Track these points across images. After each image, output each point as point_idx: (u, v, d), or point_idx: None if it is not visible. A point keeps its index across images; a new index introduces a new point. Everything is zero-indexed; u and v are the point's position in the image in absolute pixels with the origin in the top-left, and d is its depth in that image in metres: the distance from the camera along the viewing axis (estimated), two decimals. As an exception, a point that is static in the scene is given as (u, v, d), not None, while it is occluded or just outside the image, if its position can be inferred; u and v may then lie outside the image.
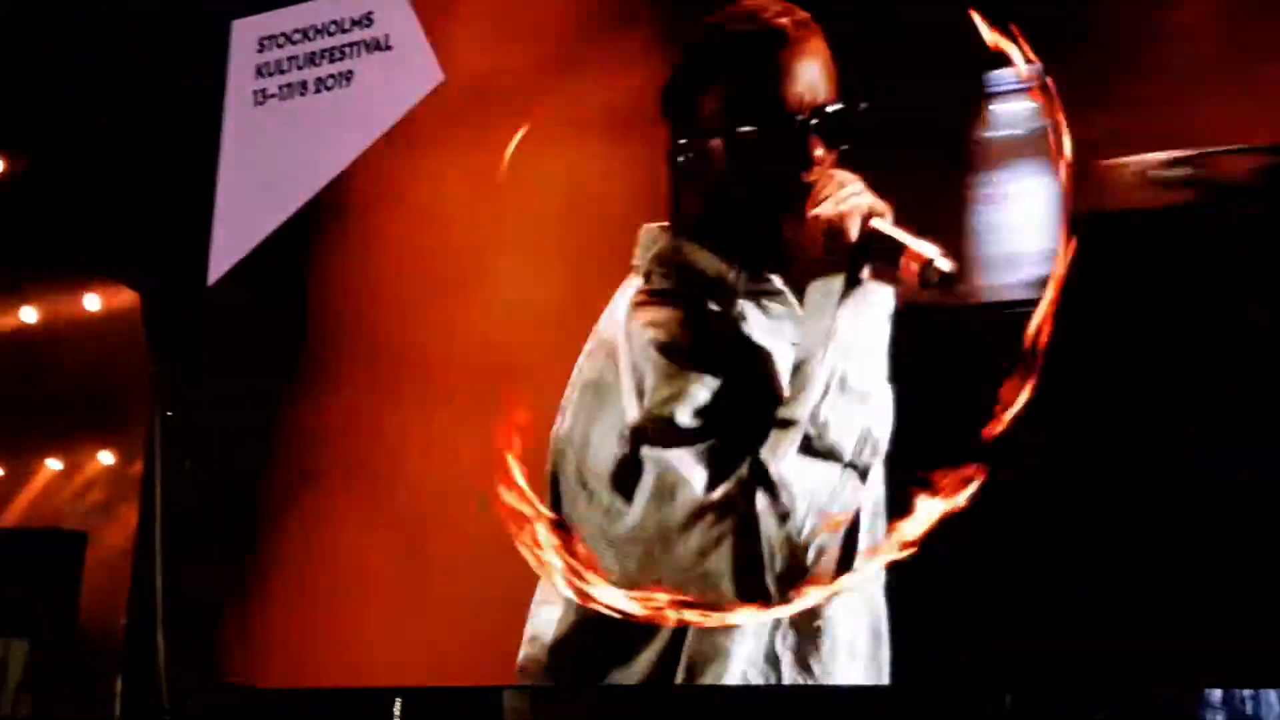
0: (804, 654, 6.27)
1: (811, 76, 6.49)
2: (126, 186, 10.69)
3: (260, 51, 10.72)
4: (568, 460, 6.69)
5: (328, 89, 10.40)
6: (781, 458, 6.09)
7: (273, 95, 10.71)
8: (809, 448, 6.09)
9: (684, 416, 6.29)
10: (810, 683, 6.12)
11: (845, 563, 6.07)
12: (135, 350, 11.95)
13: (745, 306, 6.42)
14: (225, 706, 8.59)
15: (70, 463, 14.07)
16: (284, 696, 8.22)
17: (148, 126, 10.59)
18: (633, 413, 6.47)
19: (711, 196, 6.62)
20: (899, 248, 6.07)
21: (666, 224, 6.81)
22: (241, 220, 10.28)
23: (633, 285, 6.87)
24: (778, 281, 6.48)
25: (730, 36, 6.60)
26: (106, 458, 13.77)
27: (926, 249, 6.02)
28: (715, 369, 6.37)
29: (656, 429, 6.33)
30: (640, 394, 6.47)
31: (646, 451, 6.34)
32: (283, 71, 10.66)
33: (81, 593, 11.25)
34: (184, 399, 10.86)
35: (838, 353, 6.22)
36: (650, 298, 6.65)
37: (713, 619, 5.50)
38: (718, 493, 6.15)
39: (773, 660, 6.25)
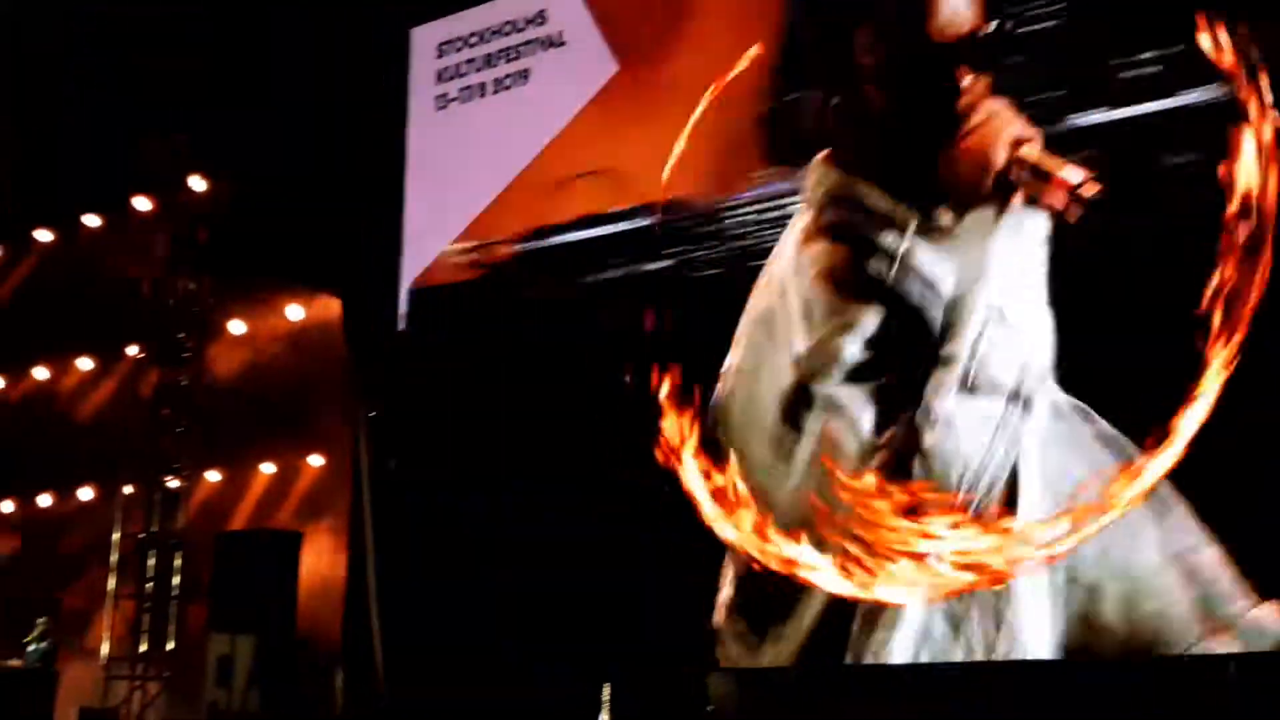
0: (990, 608, 6.22)
1: (956, 4, 6.36)
2: (320, 198, 11.06)
3: (439, 57, 10.98)
4: (737, 392, 6.83)
5: (506, 89, 10.60)
6: (944, 396, 6.10)
7: (454, 99, 10.96)
8: (969, 384, 6.12)
9: (852, 348, 6.34)
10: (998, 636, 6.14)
11: (1010, 502, 5.98)
12: (337, 356, 12.35)
13: (911, 241, 6.38)
14: (438, 696, 8.84)
15: (283, 466, 14.54)
16: (490, 684, 8.41)
17: (337, 138, 10.94)
18: (801, 345, 6.52)
19: (870, 136, 6.59)
20: (1047, 174, 6.04)
21: (834, 159, 6.78)
22: (430, 225, 10.56)
23: (802, 220, 6.91)
24: (942, 217, 6.42)
25: None
26: (316, 460, 14.20)
27: (1073, 174, 5.98)
28: (882, 302, 6.37)
29: (825, 362, 6.40)
30: (809, 326, 6.51)
31: (817, 388, 6.42)
32: (462, 75, 10.91)
33: (299, 590, 11.66)
34: (386, 400, 11.21)
35: (992, 285, 6.20)
36: (820, 232, 6.68)
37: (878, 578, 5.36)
38: (884, 436, 6.25)
39: (953, 619, 6.37)
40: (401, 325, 10.51)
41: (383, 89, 10.72)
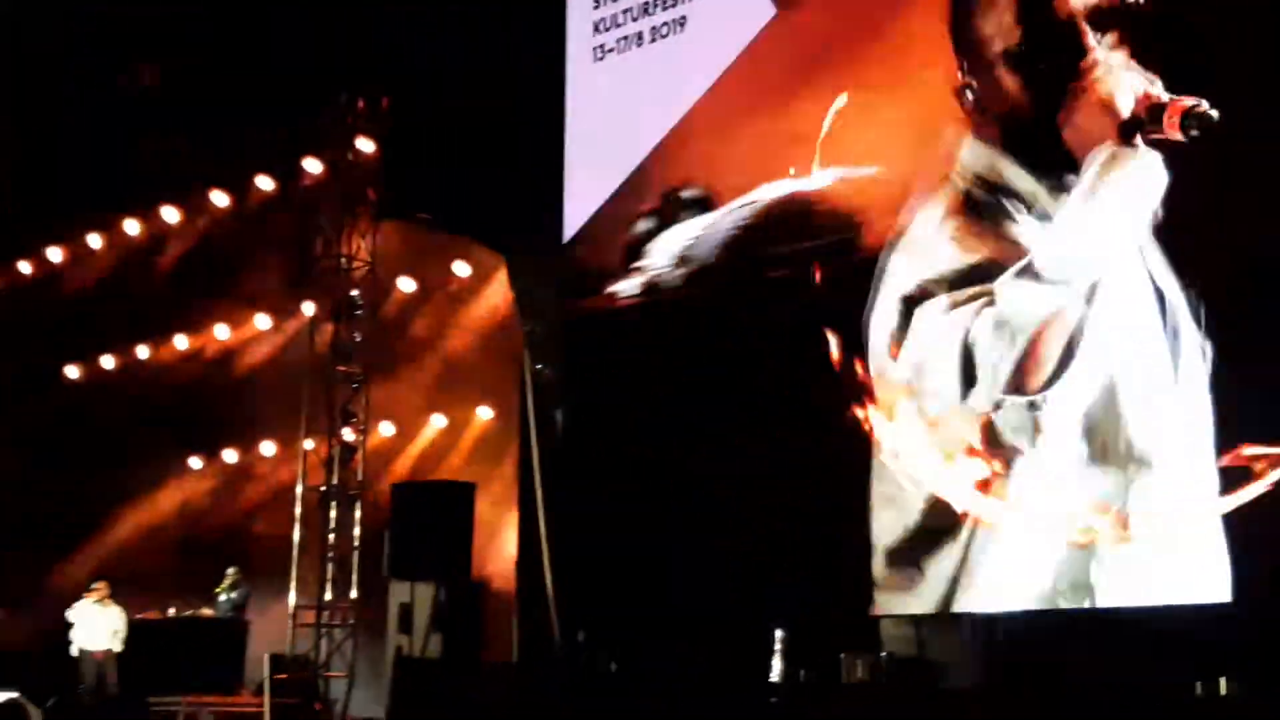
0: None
1: None
2: (483, 156, 11.22)
3: (596, 8, 11.03)
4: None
5: (663, 37, 10.60)
6: (1004, 282, 6.90)
7: (611, 50, 10.99)
8: (1033, 273, 6.81)
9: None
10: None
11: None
12: (505, 310, 12.58)
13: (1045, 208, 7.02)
14: (609, 639, 8.99)
15: (454, 418, 14.90)
16: (662, 629, 8.52)
17: (497, 94, 11.07)
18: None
19: (1006, 113, 7.17)
20: (1163, 106, 6.44)
21: (982, 139, 7.40)
22: (591, 177, 10.64)
23: (947, 193, 7.45)
24: (1071, 180, 6.88)
25: None
26: (485, 412, 14.51)
27: (1188, 100, 6.39)
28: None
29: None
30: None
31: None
32: (619, 25, 10.94)
33: (474, 538, 11.95)
34: (551, 354, 11.38)
35: (1091, 208, 6.68)
36: (963, 208, 7.38)
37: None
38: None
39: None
40: (563, 278, 10.64)
41: (540, 43, 10.80)
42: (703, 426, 8.84)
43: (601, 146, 10.34)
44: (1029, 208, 7.09)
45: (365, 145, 13.07)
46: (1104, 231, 6.72)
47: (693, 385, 9.08)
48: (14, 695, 11.23)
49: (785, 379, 8.37)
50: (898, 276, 7.56)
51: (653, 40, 10.23)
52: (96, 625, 13.82)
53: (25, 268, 17.25)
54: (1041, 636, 6.72)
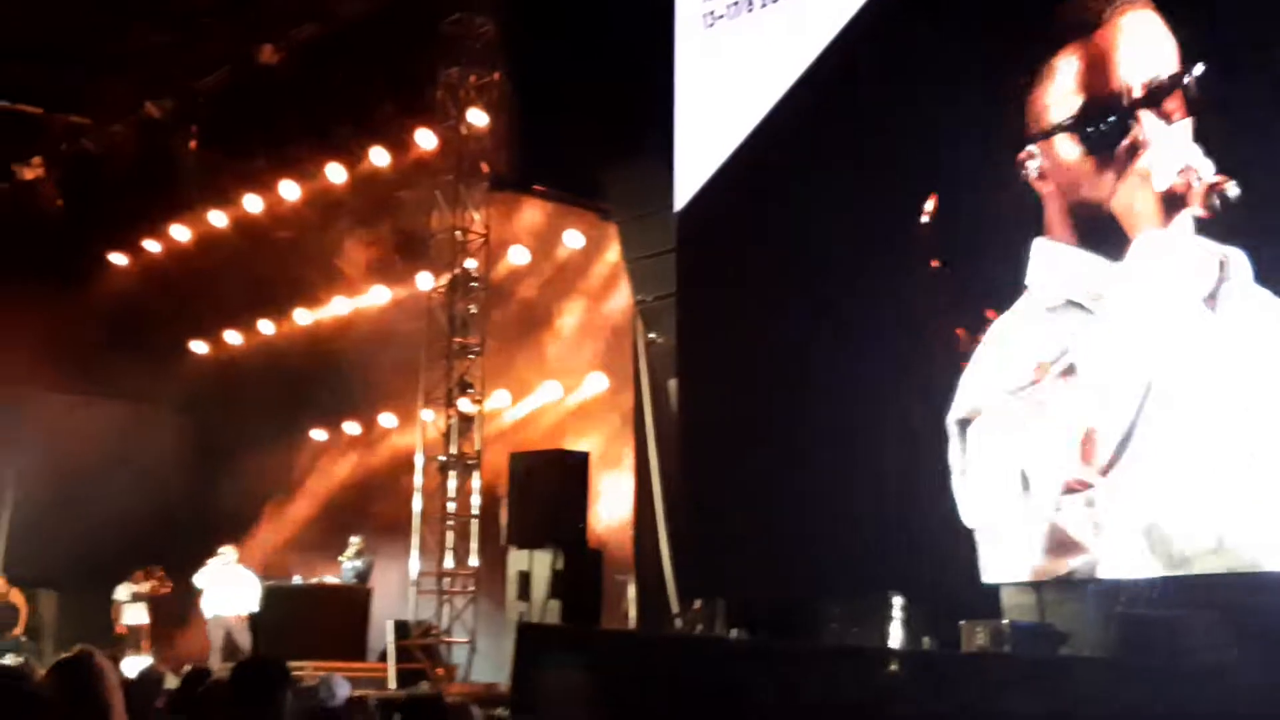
0: None
1: (1137, 53, 7.07)
2: (595, 125, 11.26)
3: (706, -27, 10.97)
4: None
5: (773, 1, 10.51)
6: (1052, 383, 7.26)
7: (721, 16, 10.93)
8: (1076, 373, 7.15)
9: None
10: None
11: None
12: (616, 279, 12.64)
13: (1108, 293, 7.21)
14: (728, 607, 9.02)
15: (569, 387, 15.05)
16: (780, 596, 8.52)
17: (609, 63, 11.09)
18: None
19: (1065, 200, 7.35)
20: (1202, 185, 6.58)
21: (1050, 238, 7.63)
22: (702, 145, 10.61)
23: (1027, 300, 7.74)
24: (1131, 264, 7.06)
25: (1057, 26, 7.40)
26: (600, 381, 14.62)
27: (1218, 177, 6.53)
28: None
29: None
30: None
31: None
32: (729, -10, 10.88)
33: (590, 506, 12.05)
34: (663, 324, 11.41)
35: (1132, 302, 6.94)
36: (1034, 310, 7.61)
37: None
38: None
39: None
40: (675, 247, 10.64)
41: (650, 10, 10.78)
42: (819, 392, 8.81)
43: (712, 113, 10.31)
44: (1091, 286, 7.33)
45: (478, 117, 13.20)
46: (1146, 328, 6.90)
47: (807, 351, 9.05)
48: (149, 662, 11.61)
49: (902, 344, 8.31)
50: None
51: (763, 5, 10.15)
52: (226, 589, 14.23)
53: (153, 246, 17.76)
54: (1166, 603, 6.60)
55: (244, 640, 13.94)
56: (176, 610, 14.81)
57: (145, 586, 14.97)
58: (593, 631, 9.93)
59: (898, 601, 7.50)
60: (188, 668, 9.82)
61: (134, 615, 14.90)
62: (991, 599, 7.61)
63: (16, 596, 16.47)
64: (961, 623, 7.12)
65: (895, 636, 7.41)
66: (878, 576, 7.73)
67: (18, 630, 15.48)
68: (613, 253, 13.11)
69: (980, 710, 6.01)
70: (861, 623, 7.52)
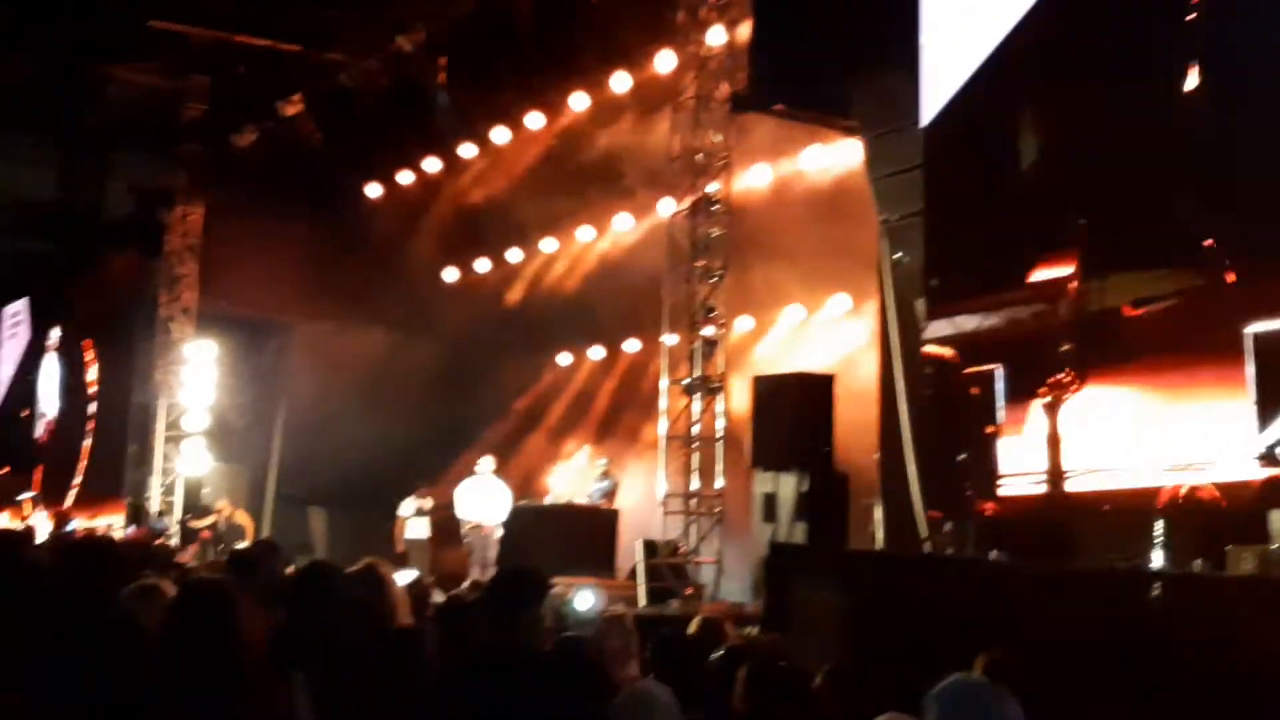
0: None
1: None
2: (838, 40, 11.07)
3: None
4: None
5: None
6: None
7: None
8: None
9: None
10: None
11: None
12: (862, 199, 12.44)
13: None
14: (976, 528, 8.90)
15: (811, 310, 14.98)
16: (1036, 517, 8.36)
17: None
18: None
19: None
20: None
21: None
22: (948, 60, 10.33)
23: None
24: None
25: None
26: (843, 302, 14.49)
27: None
28: None
29: None
30: None
31: None
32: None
33: (835, 428, 12.01)
34: (909, 243, 11.20)
35: None
36: None
37: None
38: None
39: None
40: (922, 163, 10.43)
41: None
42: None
43: (960, 23, 10.02)
44: None
45: (718, 36, 13.11)
46: None
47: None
48: (415, 574, 12.14)
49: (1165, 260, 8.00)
50: None
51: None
52: (483, 501, 14.78)
53: (406, 177, 18.37)
54: None
55: (494, 552, 14.44)
56: (446, 526, 15.44)
57: (428, 502, 15.62)
58: (847, 552, 9.93)
59: (1158, 524, 7.28)
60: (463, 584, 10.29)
61: (416, 529, 15.57)
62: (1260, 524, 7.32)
63: (242, 517, 17.52)
64: (1228, 548, 6.88)
65: (1157, 559, 7.20)
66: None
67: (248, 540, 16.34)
68: (857, 171, 12.92)
69: (1245, 635, 5.79)
70: (1123, 547, 7.32)
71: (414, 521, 15.57)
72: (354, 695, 3.84)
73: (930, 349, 10.47)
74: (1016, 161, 9.38)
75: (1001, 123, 9.70)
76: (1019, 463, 9.02)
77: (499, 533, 14.53)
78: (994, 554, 7.93)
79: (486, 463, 14.92)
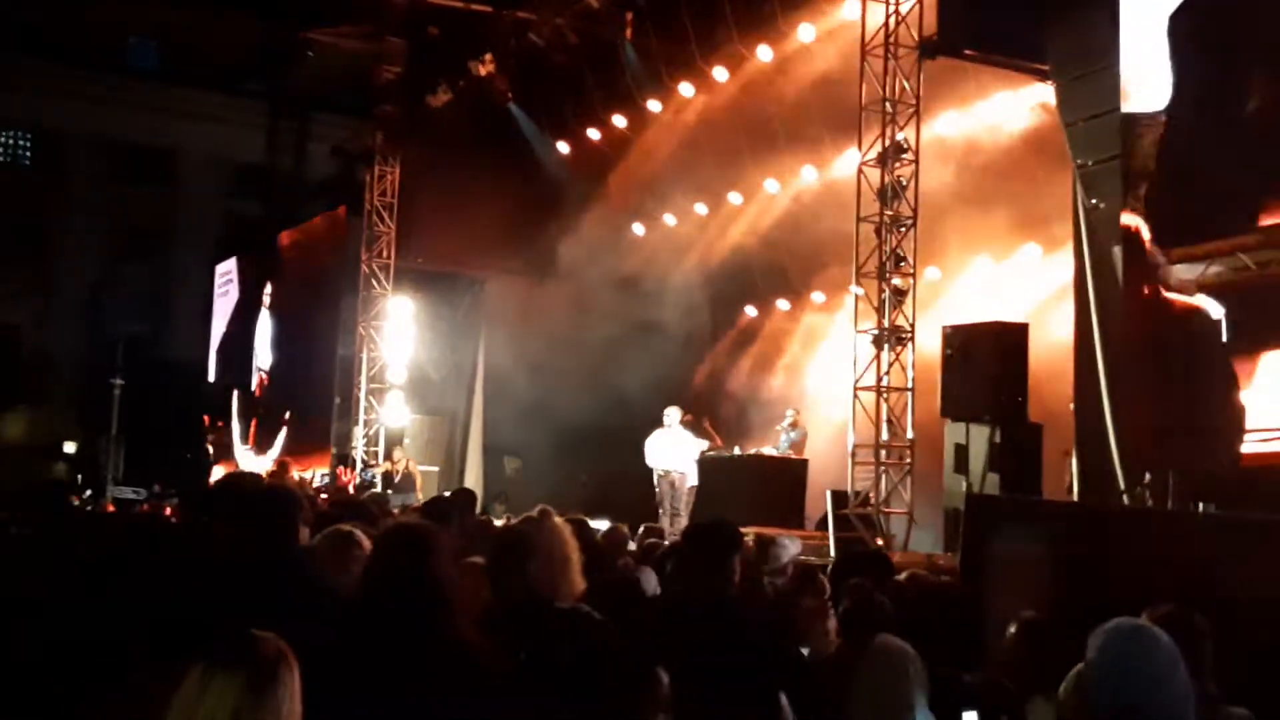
0: None
1: None
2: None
3: None
4: None
5: None
6: None
7: None
8: None
9: None
10: None
11: None
12: (1056, 143, 12.11)
13: None
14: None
15: (1002, 258, 14.72)
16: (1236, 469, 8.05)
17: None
18: None
19: None
20: None
21: None
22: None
23: None
24: None
25: None
26: (1034, 250, 14.21)
27: None
28: None
29: None
30: None
31: None
32: None
33: (1029, 380, 11.78)
34: (1105, 188, 10.85)
35: None
36: None
37: None
38: None
39: None
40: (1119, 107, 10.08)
41: None
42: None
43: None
44: None
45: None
46: None
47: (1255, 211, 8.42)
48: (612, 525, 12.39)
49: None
50: None
51: None
52: (670, 452, 14.94)
53: (594, 134, 18.54)
54: None
55: (681, 502, 14.58)
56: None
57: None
58: (1048, 504, 9.75)
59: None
60: (643, 527, 10.47)
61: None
62: None
63: (413, 467, 17.95)
64: None
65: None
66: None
67: (418, 493, 16.77)
68: (1049, 116, 12.55)
69: None
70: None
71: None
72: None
73: (1149, 294, 10.11)
74: (1241, 100, 8.98)
75: (1204, 63, 9.30)
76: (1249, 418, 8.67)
77: (689, 482, 14.71)
78: (1201, 507, 7.70)
79: (673, 413, 15.08)
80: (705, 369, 19.21)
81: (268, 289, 24.20)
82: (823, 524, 13.19)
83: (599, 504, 14.89)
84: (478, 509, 7.61)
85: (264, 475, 19.47)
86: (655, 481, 14.93)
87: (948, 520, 11.57)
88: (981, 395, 11.53)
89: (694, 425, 15.69)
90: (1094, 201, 11.30)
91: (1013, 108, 13.79)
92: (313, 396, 21.26)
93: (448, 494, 12.41)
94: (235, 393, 24.58)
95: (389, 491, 16.64)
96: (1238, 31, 9.11)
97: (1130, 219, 9.86)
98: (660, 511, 14.54)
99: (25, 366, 30.26)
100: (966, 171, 14.22)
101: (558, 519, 4.41)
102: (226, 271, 26.46)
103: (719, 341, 19.43)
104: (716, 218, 18.43)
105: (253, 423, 23.69)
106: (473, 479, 19.96)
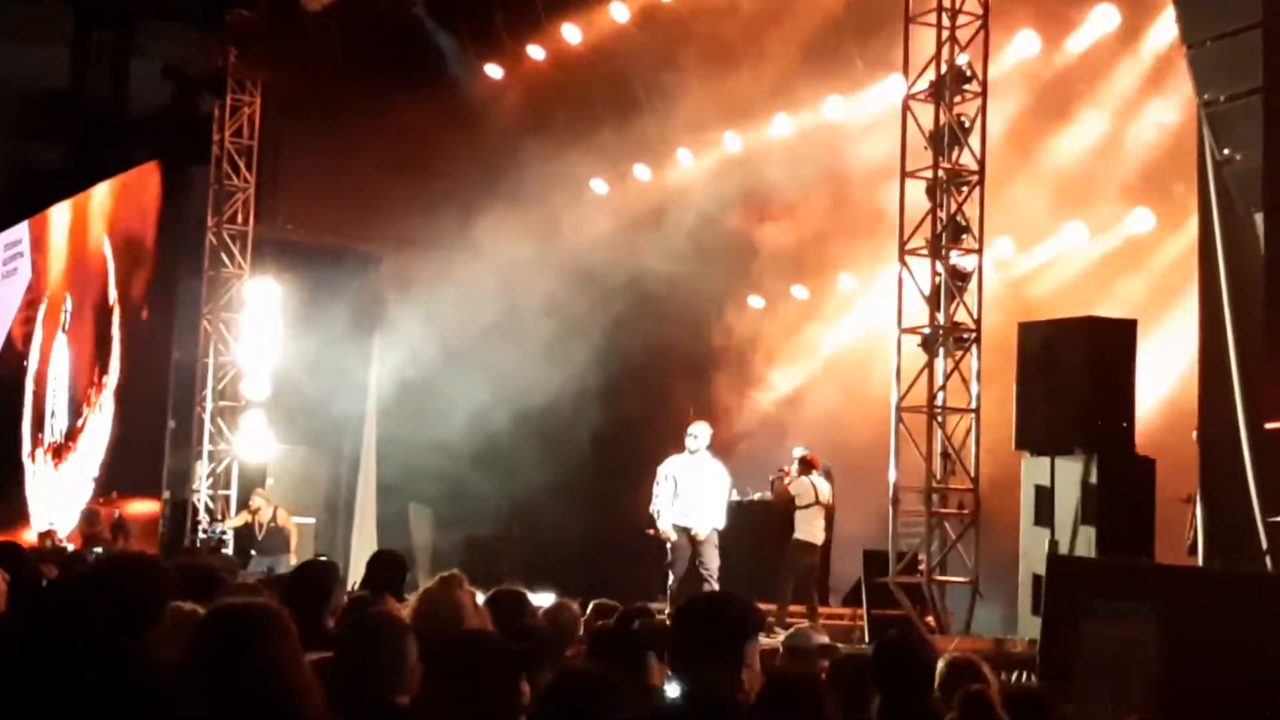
0: None
1: None
2: None
3: None
4: None
5: None
6: None
7: None
8: None
9: None
10: None
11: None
12: (1168, 75, 12.41)
13: None
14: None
15: (1097, 228, 14.98)
16: None
17: None
18: None
19: None
20: None
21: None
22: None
23: None
24: None
25: None
26: (1143, 219, 14.44)
27: None
28: None
29: None
30: None
31: None
32: None
33: (1137, 395, 11.93)
34: (1242, 134, 11.12)
35: None
36: None
37: None
38: None
39: None
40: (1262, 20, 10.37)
41: None
42: None
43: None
44: None
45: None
46: None
47: None
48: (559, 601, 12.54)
49: None
50: None
51: None
52: (699, 486, 14.97)
53: (537, 52, 18.60)
54: None
55: (713, 560, 14.14)
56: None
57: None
58: (1162, 569, 9.91)
59: None
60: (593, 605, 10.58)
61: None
62: None
63: (285, 519, 17.92)
64: None
65: None
66: None
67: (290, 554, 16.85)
68: (1162, 35, 12.83)
69: None
70: None
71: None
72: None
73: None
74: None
75: None
76: None
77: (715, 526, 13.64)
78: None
79: (702, 431, 14.11)
80: (680, 383, 19.26)
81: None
82: (853, 597, 13.29)
83: (543, 567, 14.89)
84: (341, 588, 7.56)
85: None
86: (663, 529, 13.74)
87: (1025, 591, 11.68)
88: (1072, 419, 11.67)
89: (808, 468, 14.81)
90: (1226, 152, 11.54)
91: (1113, 24, 14.01)
92: (134, 419, 21.04)
93: (324, 558, 12.13)
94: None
95: (254, 552, 16.61)
96: None
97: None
98: (670, 576, 13.54)
99: None
100: (1050, 110, 14.45)
101: (467, 590, 4.41)
102: (14, 241, 26.29)
103: (702, 340, 19.46)
104: (707, 169, 18.41)
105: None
106: (364, 535, 19.87)
